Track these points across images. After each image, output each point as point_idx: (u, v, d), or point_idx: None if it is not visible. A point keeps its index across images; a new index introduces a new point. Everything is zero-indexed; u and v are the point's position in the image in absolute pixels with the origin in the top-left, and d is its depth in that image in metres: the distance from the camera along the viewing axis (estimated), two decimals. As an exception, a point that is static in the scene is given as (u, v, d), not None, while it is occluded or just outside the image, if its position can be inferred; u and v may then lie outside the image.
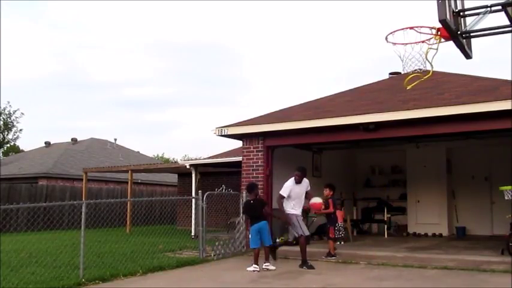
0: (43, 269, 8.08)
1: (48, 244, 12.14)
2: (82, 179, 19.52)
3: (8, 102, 30.60)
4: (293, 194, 9.00)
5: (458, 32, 5.99)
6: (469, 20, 6.11)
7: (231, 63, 76.62)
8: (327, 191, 10.01)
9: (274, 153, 11.55)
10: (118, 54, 70.65)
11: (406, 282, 7.27)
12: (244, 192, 11.15)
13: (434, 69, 6.43)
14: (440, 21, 5.60)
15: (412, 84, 6.65)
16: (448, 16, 5.61)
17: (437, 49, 6.05)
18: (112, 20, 69.63)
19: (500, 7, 5.72)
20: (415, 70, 6.28)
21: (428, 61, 6.11)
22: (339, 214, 11.56)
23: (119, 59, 71.52)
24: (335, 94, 13.46)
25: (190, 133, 75.71)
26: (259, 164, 11.33)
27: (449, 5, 5.75)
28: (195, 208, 14.06)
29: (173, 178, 23.17)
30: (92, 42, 65.71)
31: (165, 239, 12.25)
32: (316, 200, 9.38)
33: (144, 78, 73.62)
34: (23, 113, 31.06)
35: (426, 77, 6.35)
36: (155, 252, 10.47)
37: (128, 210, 17.88)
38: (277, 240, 10.50)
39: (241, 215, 10.62)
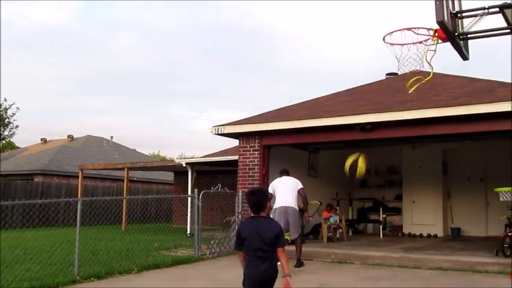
0: (38, 265, 8.06)
1: (43, 241, 12.12)
2: (78, 176, 19.46)
3: (6, 99, 30.07)
4: None
5: (456, 34, 5.99)
6: (466, 21, 6.12)
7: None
8: None
9: (270, 153, 11.56)
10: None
11: (400, 282, 7.29)
12: (240, 191, 11.16)
13: (432, 71, 6.42)
14: (438, 22, 5.60)
15: (414, 87, 6.64)
16: (445, 18, 5.61)
17: (435, 50, 6.06)
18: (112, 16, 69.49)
19: (497, 9, 5.72)
20: (412, 71, 6.28)
21: (428, 63, 6.09)
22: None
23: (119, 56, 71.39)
24: (332, 94, 13.46)
25: (187, 131, 75.62)
26: (256, 163, 11.33)
27: (447, 7, 5.75)
28: (191, 206, 14.04)
29: (169, 176, 23.14)
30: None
31: (161, 237, 12.25)
32: None
33: (140, 74, 73.50)
34: (18, 108, 30.84)
35: (427, 79, 6.36)
36: (150, 250, 10.46)
37: (124, 208, 17.84)
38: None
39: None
